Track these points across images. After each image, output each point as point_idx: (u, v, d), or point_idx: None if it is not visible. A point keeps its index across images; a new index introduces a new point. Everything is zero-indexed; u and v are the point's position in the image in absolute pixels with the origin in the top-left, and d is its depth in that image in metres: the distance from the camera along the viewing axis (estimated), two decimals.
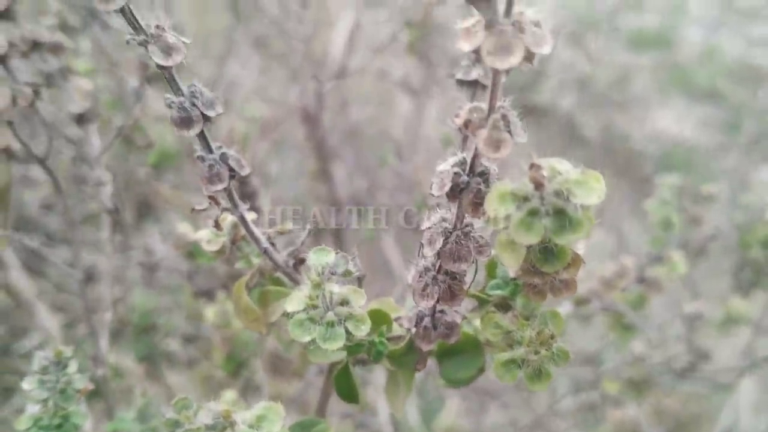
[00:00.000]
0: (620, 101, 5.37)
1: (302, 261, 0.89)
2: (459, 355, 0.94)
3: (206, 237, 0.90)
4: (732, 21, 6.38)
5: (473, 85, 0.95)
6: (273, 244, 0.87)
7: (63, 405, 0.89)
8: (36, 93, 1.00)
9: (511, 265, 0.63)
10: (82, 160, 1.18)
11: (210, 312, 1.41)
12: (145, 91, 1.25)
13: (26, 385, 0.89)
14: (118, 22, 0.72)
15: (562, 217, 0.57)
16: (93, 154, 1.21)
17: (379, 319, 0.84)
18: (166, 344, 2.00)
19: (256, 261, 0.90)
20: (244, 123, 2.25)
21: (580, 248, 0.67)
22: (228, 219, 0.90)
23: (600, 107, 5.04)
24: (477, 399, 2.69)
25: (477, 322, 0.90)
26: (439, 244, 0.69)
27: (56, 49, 1.22)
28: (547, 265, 0.62)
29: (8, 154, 1.31)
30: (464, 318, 0.85)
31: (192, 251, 1.46)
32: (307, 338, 0.74)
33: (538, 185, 0.56)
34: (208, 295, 1.58)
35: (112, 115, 1.88)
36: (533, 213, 0.57)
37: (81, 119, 1.20)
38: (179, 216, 2.05)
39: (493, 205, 0.59)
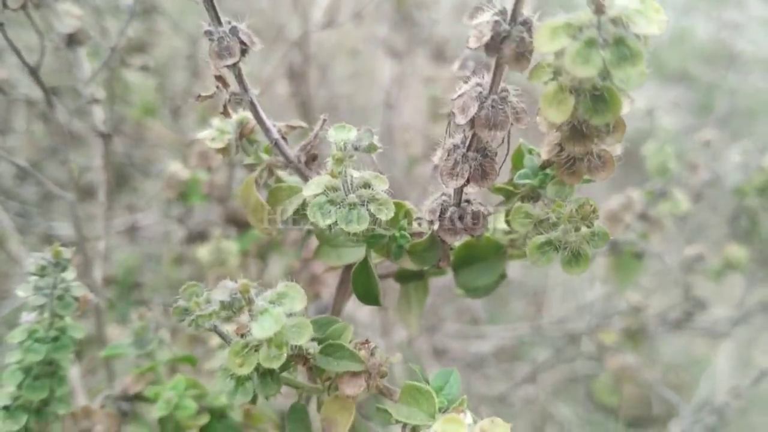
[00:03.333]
0: None
1: (315, 157, 0.84)
2: (478, 263, 0.90)
3: (211, 135, 0.84)
4: (703, 5, 6.43)
5: None
6: (284, 138, 0.82)
7: (60, 313, 0.82)
8: None
9: (557, 119, 0.59)
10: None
11: (203, 251, 1.35)
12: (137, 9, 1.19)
13: (21, 291, 0.82)
14: None
15: (622, 47, 0.53)
16: (84, 76, 1.15)
17: (398, 211, 0.79)
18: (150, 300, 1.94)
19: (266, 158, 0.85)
20: None
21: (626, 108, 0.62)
22: (234, 117, 0.85)
23: None
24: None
25: (499, 224, 0.86)
26: (473, 110, 0.64)
27: None
28: (597, 115, 0.58)
29: None
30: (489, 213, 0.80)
31: (184, 192, 1.40)
32: (327, 222, 0.69)
33: (599, 10, 0.52)
34: (201, 236, 1.52)
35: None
36: (591, 43, 0.53)
37: (71, 40, 1.14)
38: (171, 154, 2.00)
39: (544, 41, 0.54)
